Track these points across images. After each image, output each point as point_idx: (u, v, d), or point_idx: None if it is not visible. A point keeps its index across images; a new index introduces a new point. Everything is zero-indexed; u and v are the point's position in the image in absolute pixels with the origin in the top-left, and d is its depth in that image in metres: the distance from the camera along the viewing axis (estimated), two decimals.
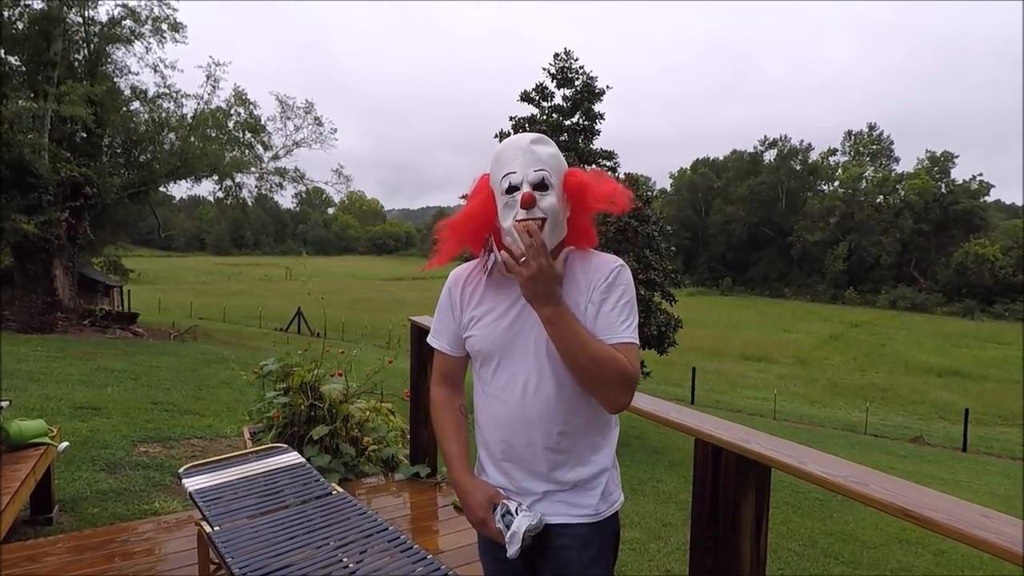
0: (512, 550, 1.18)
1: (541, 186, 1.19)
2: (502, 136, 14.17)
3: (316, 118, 20.15)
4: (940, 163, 63.26)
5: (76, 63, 16.75)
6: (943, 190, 61.43)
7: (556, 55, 14.18)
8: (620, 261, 1.29)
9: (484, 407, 1.32)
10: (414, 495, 3.01)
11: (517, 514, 1.21)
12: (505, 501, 1.25)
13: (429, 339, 1.45)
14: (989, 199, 64.22)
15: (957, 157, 63.08)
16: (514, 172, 1.20)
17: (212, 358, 11.72)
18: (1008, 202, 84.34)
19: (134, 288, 28.87)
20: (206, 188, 20.29)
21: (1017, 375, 28.47)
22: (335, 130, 20.45)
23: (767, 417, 17.34)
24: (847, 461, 1.21)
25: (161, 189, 20.06)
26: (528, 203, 1.15)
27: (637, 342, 1.22)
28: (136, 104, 18.43)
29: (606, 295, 1.22)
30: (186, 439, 5.20)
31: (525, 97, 14.32)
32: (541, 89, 14.18)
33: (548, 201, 1.19)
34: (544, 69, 14.21)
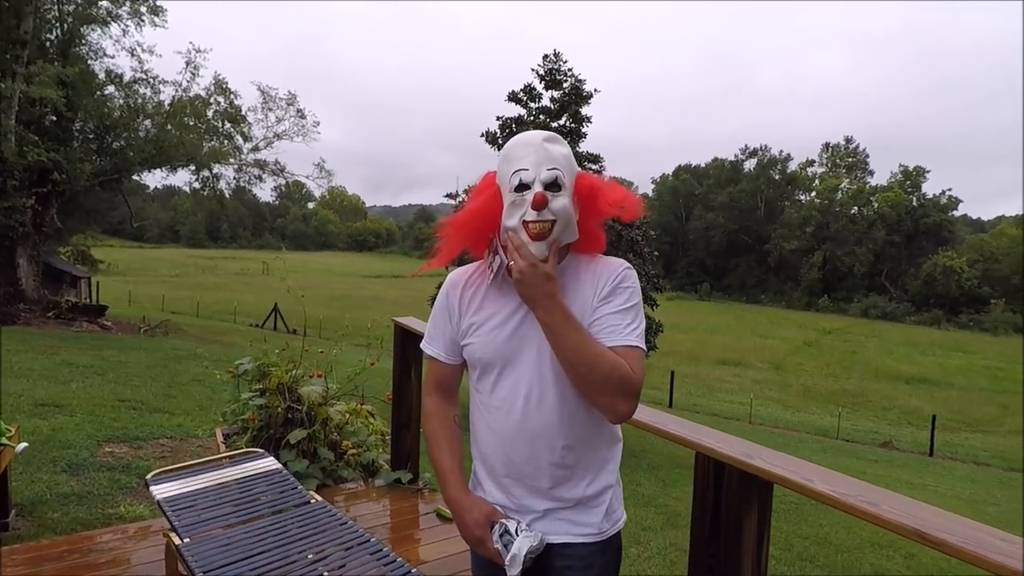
0: (512, 573, 1.11)
1: (553, 186, 1.13)
2: (488, 136, 14.06)
3: (299, 110, 19.79)
4: (912, 177, 64.85)
5: (48, 43, 16.18)
6: (915, 203, 63.00)
7: (545, 56, 14.13)
8: (627, 264, 1.23)
9: (482, 419, 1.25)
10: (395, 502, 2.92)
11: (517, 534, 1.14)
12: (504, 520, 1.18)
13: (423, 345, 1.36)
14: (957, 213, 66.05)
15: (928, 172, 64.80)
16: (526, 169, 1.13)
17: (184, 354, 11.42)
18: (975, 216, 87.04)
19: (103, 280, 28.08)
20: (182, 178, 19.89)
21: (981, 383, 29.27)
22: (317, 123, 20.13)
23: (743, 421, 17.53)
24: (854, 479, 1.17)
25: (135, 178, 19.52)
26: (540, 203, 1.09)
27: (642, 347, 1.15)
28: (111, 88, 17.88)
29: (611, 297, 1.17)
30: (155, 439, 5.03)
31: (513, 97, 14.24)
32: (529, 90, 14.12)
33: (560, 202, 1.12)
34: (533, 70, 14.16)
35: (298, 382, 3.15)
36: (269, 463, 2.27)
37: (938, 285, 56.08)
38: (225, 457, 2.40)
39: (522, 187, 1.12)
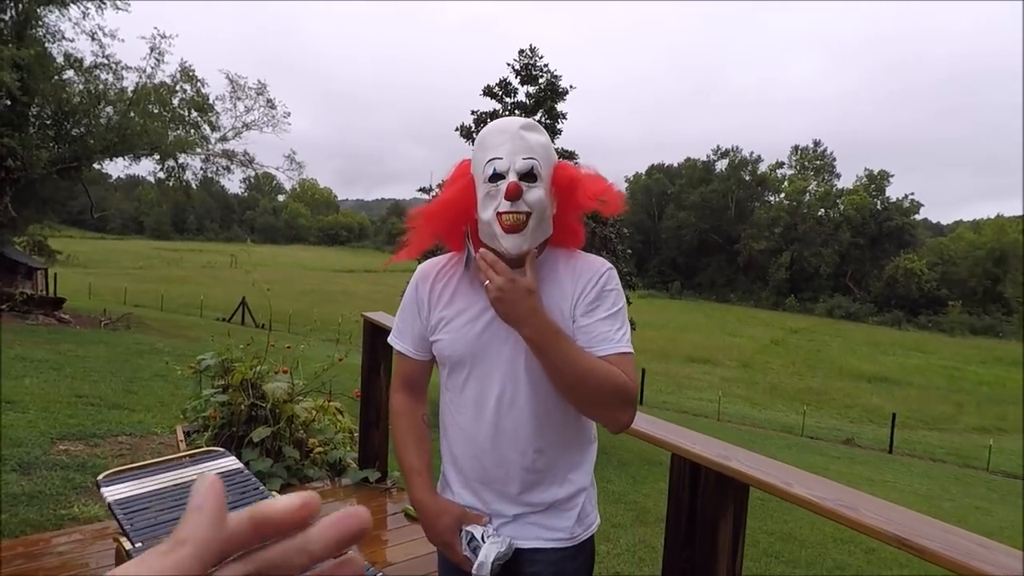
0: None
1: (529, 176, 1.07)
2: (462, 130, 13.93)
3: (268, 100, 19.36)
4: (877, 181, 66.69)
5: (2, 24, 15.47)
6: (879, 207, 64.83)
7: (521, 51, 14.04)
8: (608, 264, 1.18)
9: (452, 419, 1.20)
10: (362, 501, 2.85)
11: (484, 540, 1.10)
12: (469, 528, 1.13)
13: (391, 339, 1.30)
14: (918, 217, 68.16)
15: (892, 176, 66.68)
16: (500, 158, 1.07)
17: (146, 348, 11.06)
18: (934, 221, 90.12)
19: (62, 271, 27.09)
20: (146, 168, 19.29)
21: (938, 382, 30.33)
22: (288, 114, 19.71)
23: (711, 418, 17.81)
24: (833, 482, 1.15)
25: (96, 166, 18.84)
26: (514, 194, 1.04)
27: (632, 351, 1.11)
28: (70, 73, 17.18)
29: (597, 302, 1.11)
30: (113, 436, 4.85)
31: (488, 92, 14.12)
32: (504, 84, 14.02)
33: (535, 194, 1.07)
34: (508, 65, 14.06)
35: (263, 378, 3.05)
36: (230, 463, 2.18)
37: (899, 287, 57.88)
38: (184, 456, 2.30)
39: (496, 177, 1.07)
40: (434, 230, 1.18)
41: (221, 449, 2.30)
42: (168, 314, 25.57)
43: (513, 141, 1.08)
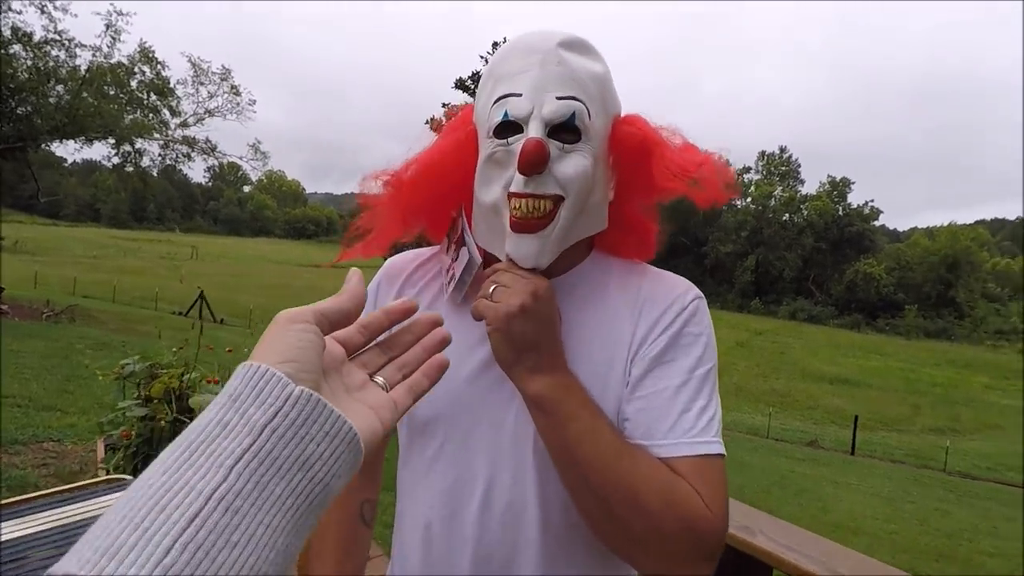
0: None
1: (565, 131, 0.64)
2: (433, 124, 13.55)
3: (233, 86, 18.62)
4: (839, 187, 68.47)
5: None
6: (840, 212, 66.62)
7: (495, 44, 13.78)
8: (696, 290, 0.75)
9: (411, 517, 0.74)
10: None
11: None
12: None
13: None
14: (878, 224, 70.32)
15: (854, 183, 68.58)
16: (518, 95, 0.63)
17: (91, 343, 10.42)
18: (892, 227, 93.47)
19: (8, 259, 25.68)
20: (99, 151, 18.39)
21: (895, 384, 31.22)
22: (253, 102, 19.01)
23: None
24: (886, 566, 0.89)
25: (44, 148, 17.84)
26: (533, 162, 0.60)
27: (724, 452, 0.64)
28: (16, 47, 16.18)
29: (670, 356, 0.66)
30: (38, 442, 4.45)
31: (460, 84, 13.83)
32: (477, 77, 13.79)
33: (575, 164, 0.63)
34: (482, 58, 13.79)
35: (195, 387, 2.69)
36: None
37: (859, 290, 59.63)
38: (85, 486, 1.93)
39: (509, 128, 0.64)
40: (411, 210, 0.75)
41: (129, 478, 1.94)
42: (120, 307, 24.45)
43: (544, 66, 0.63)
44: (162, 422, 2.36)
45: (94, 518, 1.77)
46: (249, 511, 0.29)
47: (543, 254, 0.65)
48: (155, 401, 2.47)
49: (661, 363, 0.66)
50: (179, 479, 0.29)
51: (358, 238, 0.77)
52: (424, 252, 0.83)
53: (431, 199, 0.73)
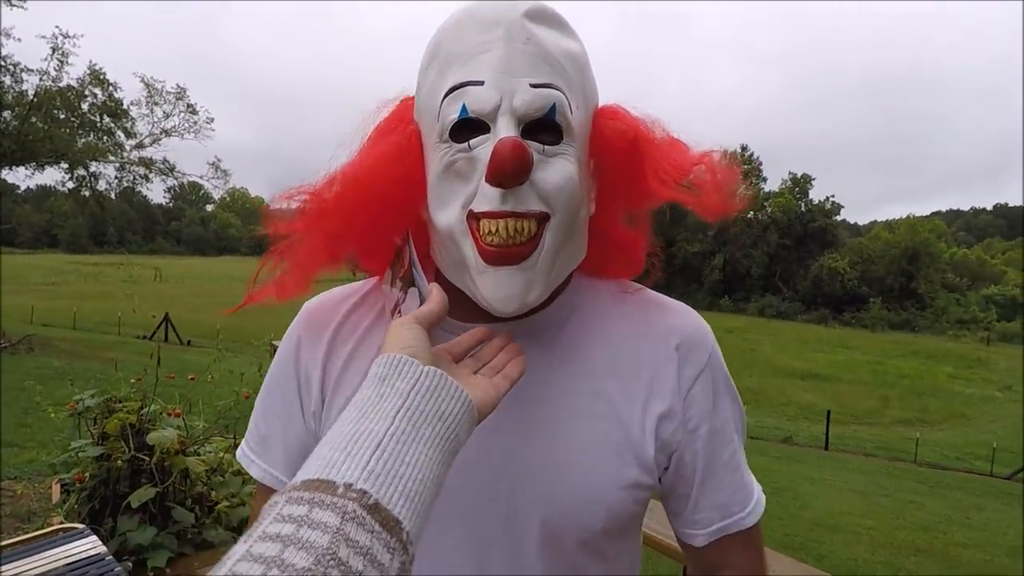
0: None
1: (545, 128, 0.51)
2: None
3: (189, 105, 18.28)
4: (800, 184, 70.31)
5: None
6: (803, 209, 68.35)
7: None
8: (703, 322, 0.68)
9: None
10: None
11: None
12: None
13: (240, 455, 0.68)
14: (839, 218, 72.38)
15: (815, 179, 70.50)
16: (479, 83, 0.49)
17: (50, 373, 9.96)
18: (852, 221, 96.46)
19: None
20: (53, 177, 17.73)
21: (863, 377, 31.99)
22: (211, 120, 18.67)
23: None
24: None
25: None
26: (512, 168, 0.46)
27: (761, 515, 0.61)
28: None
29: (712, 424, 0.62)
30: None
31: None
32: None
33: (559, 170, 0.51)
34: None
35: (155, 422, 2.56)
36: (87, 546, 1.71)
37: (825, 285, 61.15)
38: (33, 538, 1.81)
39: (468, 126, 0.50)
40: (336, 236, 0.58)
41: (80, 527, 1.82)
42: (82, 333, 23.58)
43: (510, 44, 0.50)
44: (119, 461, 2.23)
45: (54, 570, 1.65)
46: (411, 443, 0.41)
47: (530, 291, 0.52)
48: (111, 438, 2.34)
49: (715, 431, 0.63)
50: (361, 428, 0.40)
51: (270, 275, 0.62)
52: (350, 291, 0.67)
53: (364, 223, 0.56)
